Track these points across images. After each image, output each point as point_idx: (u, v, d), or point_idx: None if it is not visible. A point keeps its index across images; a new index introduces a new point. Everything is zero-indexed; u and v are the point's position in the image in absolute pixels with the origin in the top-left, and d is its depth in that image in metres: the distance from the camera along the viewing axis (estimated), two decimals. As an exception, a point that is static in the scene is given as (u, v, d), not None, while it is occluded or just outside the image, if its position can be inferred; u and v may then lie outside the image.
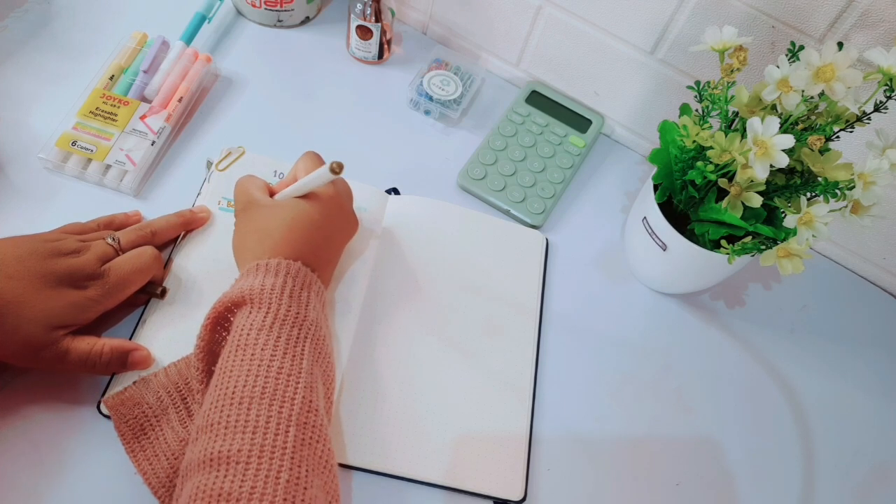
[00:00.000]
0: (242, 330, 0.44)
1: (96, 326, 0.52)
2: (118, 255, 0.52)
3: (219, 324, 0.46)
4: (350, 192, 0.56)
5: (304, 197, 0.52)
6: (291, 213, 0.50)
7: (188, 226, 0.58)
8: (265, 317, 0.44)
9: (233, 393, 0.41)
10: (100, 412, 0.50)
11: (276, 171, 0.63)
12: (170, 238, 0.57)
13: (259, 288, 0.45)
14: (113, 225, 0.56)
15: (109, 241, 0.52)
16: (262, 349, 0.43)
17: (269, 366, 0.42)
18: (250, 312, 0.44)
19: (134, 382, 0.49)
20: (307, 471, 0.39)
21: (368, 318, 0.58)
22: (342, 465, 0.51)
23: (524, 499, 0.53)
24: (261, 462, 0.38)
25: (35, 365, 0.48)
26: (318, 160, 0.55)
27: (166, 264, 0.56)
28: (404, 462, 0.52)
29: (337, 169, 0.48)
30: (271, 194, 0.54)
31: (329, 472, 0.41)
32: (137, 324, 0.53)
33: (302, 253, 0.49)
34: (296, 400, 0.41)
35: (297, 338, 0.44)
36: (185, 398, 0.49)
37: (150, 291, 0.54)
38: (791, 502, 0.58)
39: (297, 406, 0.41)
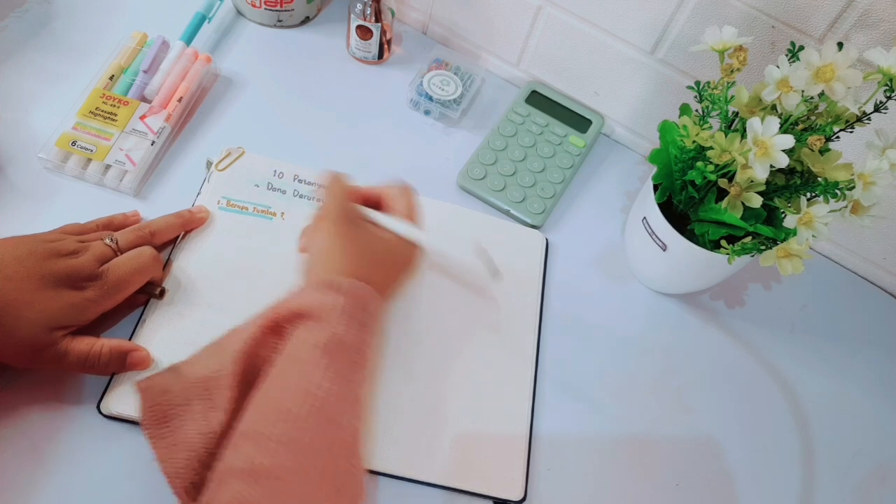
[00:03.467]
0: (302, 345, 0.43)
1: (95, 327, 0.52)
2: (117, 255, 0.51)
3: (272, 329, 0.46)
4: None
5: (403, 240, 0.53)
6: (390, 251, 0.52)
7: (187, 226, 0.58)
8: (326, 337, 0.44)
9: (285, 408, 0.40)
10: (100, 412, 0.50)
11: (275, 171, 0.63)
12: (169, 238, 0.57)
13: (328, 306, 0.45)
14: (112, 226, 0.56)
15: (108, 241, 0.52)
16: (319, 370, 0.42)
17: (325, 387, 0.42)
18: (311, 329, 0.44)
19: (166, 370, 0.48)
20: (347, 502, 0.40)
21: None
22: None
23: (524, 499, 0.53)
24: (306, 485, 0.38)
25: (34, 366, 0.48)
26: (412, 201, 0.56)
27: (165, 265, 0.56)
28: (404, 462, 0.52)
29: (493, 272, 0.53)
30: (360, 199, 0.54)
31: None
32: (137, 324, 0.53)
33: (374, 281, 0.49)
34: (347, 428, 0.41)
35: (355, 363, 0.44)
36: (211, 391, 0.47)
37: (149, 292, 0.54)
38: (791, 502, 0.58)
39: (347, 433, 0.41)
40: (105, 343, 0.49)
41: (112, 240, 0.52)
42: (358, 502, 0.41)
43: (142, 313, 0.54)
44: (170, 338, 0.53)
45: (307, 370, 0.42)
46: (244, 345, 0.45)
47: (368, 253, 0.50)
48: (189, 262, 0.57)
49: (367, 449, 0.43)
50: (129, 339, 0.53)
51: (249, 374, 0.46)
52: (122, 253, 0.52)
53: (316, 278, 0.48)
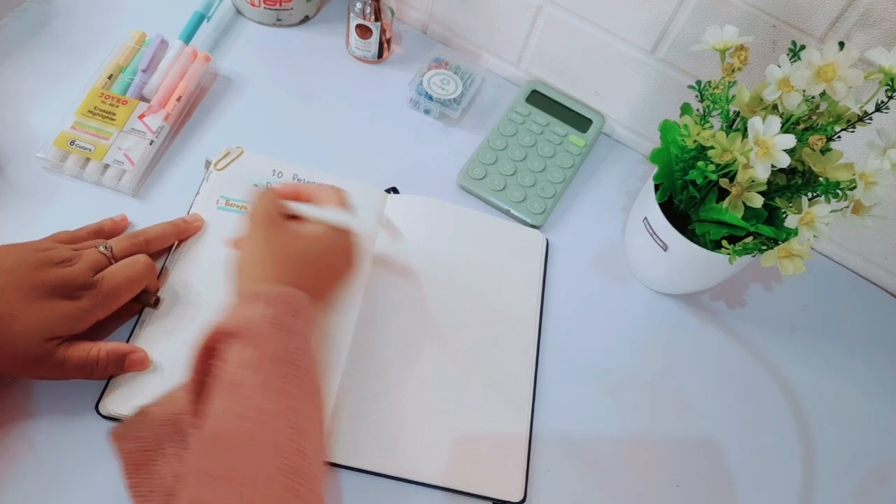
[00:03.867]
0: (233, 366, 0.42)
1: (90, 336, 0.50)
2: (111, 263, 0.51)
3: (210, 354, 0.44)
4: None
5: (332, 233, 0.51)
6: (319, 251, 0.50)
7: (182, 235, 0.57)
8: (254, 353, 0.42)
9: (218, 437, 0.39)
10: (98, 413, 0.50)
11: (274, 171, 0.63)
12: (163, 247, 0.57)
13: (256, 320, 0.43)
14: (103, 233, 0.55)
15: (102, 249, 0.51)
16: (250, 389, 0.41)
17: (257, 408, 0.40)
18: (241, 347, 0.42)
19: (134, 415, 0.47)
20: None
21: (368, 318, 0.57)
22: (342, 467, 0.51)
23: (524, 499, 0.53)
24: None
25: (33, 376, 0.48)
26: (343, 198, 0.54)
27: (160, 273, 0.56)
28: (404, 463, 0.52)
29: (393, 235, 0.48)
30: (289, 197, 0.53)
31: None
32: (131, 335, 0.53)
33: (305, 285, 0.48)
34: (285, 445, 0.39)
35: (287, 374, 0.42)
36: (180, 430, 0.47)
37: (144, 301, 0.53)
38: (791, 502, 0.58)
39: (283, 452, 0.39)
40: (102, 347, 0.49)
41: (106, 248, 0.51)
42: None
43: (136, 323, 0.53)
44: (165, 348, 0.52)
45: (239, 393, 0.41)
46: (191, 377, 0.44)
47: (295, 254, 0.49)
48: (184, 270, 0.56)
49: (315, 460, 0.41)
50: (127, 342, 0.52)
51: (204, 404, 0.44)
52: (116, 261, 0.51)
53: (242, 290, 0.47)
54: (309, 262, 0.49)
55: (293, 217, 0.52)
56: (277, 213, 0.51)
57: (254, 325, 0.43)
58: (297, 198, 0.53)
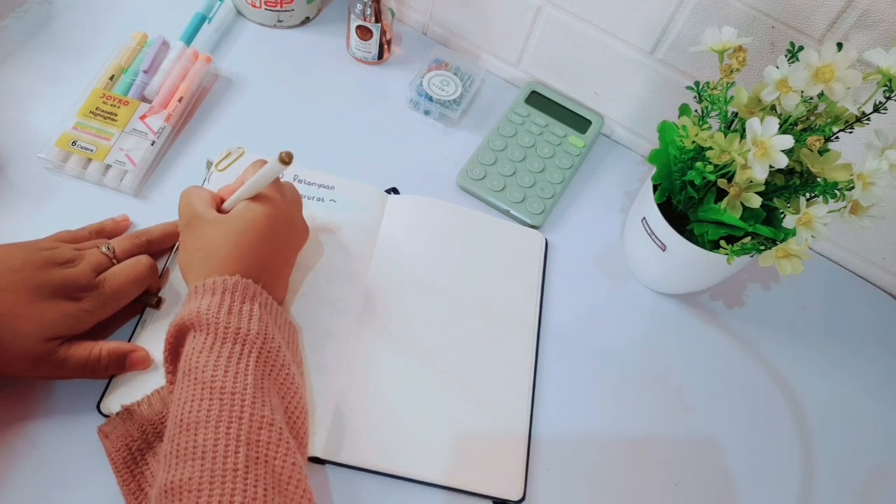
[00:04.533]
0: (187, 356, 0.43)
1: (92, 337, 0.51)
2: (113, 264, 0.51)
3: (174, 352, 0.46)
4: (299, 198, 0.55)
5: (252, 203, 0.50)
6: (237, 227, 0.48)
7: None
8: (205, 339, 0.43)
9: (181, 420, 0.40)
10: (100, 412, 0.50)
11: (275, 171, 0.63)
12: (165, 247, 0.57)
13: (204, 310, 0.44)
14: (104, 233, 0.55)
15: (104, 249, 0.51)
16: (204, 371, 0.42)
17: (212, 387, 0.41)
18: (195, 337, 0.44)
19: (118, 413, 0.48)
20: (265, 490, 0.39)
21: (368, 318, 0.58)
22: (342, 465, 0.51)
23: (523, 499, 0.53)
24: (213, 487, 0.37)
25: (34, 376, 0.48)
26: (259, 166, 0.52)
27: (162, 274, 0.56)
28: (404, 462, 0.52)
29: (287, 158, 0.46)
30: (221, 203, 0.52)
31: (295, 487, 0.40)
32: (132, 335, 0.53)
33: (249, 267, 0.48)
34: (243, 418, 0.40)
35: (241, 354, 0.43)
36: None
37: (146, 301, 0.53)
38: (790, 502, 0.58)
39: (244, 424, 0.40)
40: (103, 346, 0.49)
41: (108, 248, 0.52)
42: (291, 490, 0.40)
43: (138, 323, 0.54)
44: None
45: (195, 377, 0.42)
46: (167, 380, 0.46)
47: (228, 241, 0.48)
48: None
49: (293, 433, 0.43)
50: (129, 341, 0.52)
51: None
52: (118, 261, 0.51)
53: (189, 286, 0.48)
54: (245, 244, 0.48)
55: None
56: (202, 210, 0.50)
57: (202, 315, 0.44)
58: (228, 192, 0.53)
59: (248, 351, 0.44)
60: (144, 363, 0.51)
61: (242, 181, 0.52)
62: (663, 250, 0.59)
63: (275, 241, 0.50)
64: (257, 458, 0.39)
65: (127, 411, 0.48)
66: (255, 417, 0.41)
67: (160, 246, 0.56)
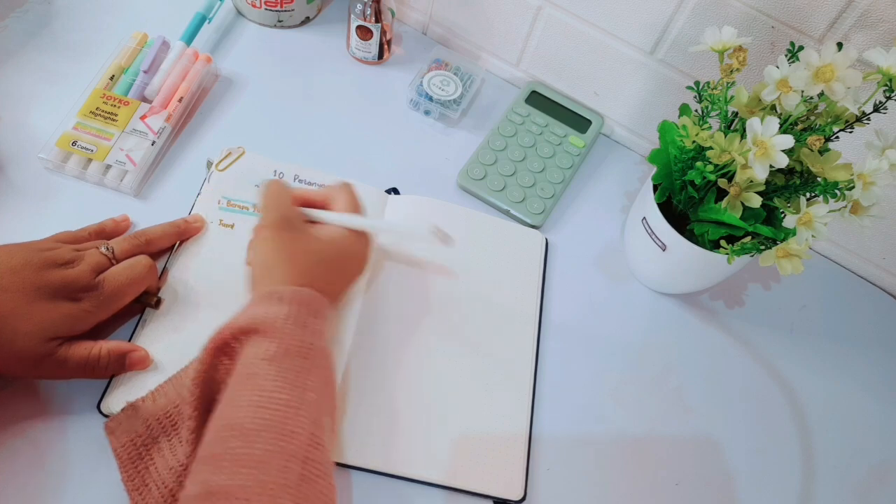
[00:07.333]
0: (250, 360, 0.43)
1: (92, 336, 0.51)
2: (112, 264, 0.51)
3: (222, 350, 0.45)
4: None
5: (354, 237, 0.53)
6: (331, 252, 0.51)
7: (182, 235, 0.58)
8: (270, 346, 0.43)
9: (236, 424, 0.40)
10: (100, 412, 0.50)
11: (276, 171, 0.63)
12: (164, 247, 0.57)
13: (272, 317, 0.44)
14: (104, 233, 0.56)
15: (103, 250, 0.51)
16: (267, 380, 0.42)
17: (274, 397, 0.41)
18: (259, 343, 0.44)
19: (123, 409, 0.48)
20: None
21: (368, 318, 0.58)
22: (343, 465, 0.51)
23: (524, 498, 0.53)
24: (261, 499, 0.37)
25: (34, 376, 0.48)
26: (354, 196, 0.55)
27: (161, 274, 0.56)
28: (404, 462, 0.52)
29: (443, 238, 0.51)
30: (302, 204, 0.54)
31: None
32: (132, 334, 0.53)
33: (320, 286, 0.49)
34: (301, 434, 0.40)
35: (303, 368, 0.43)
36: (176, 424, 0.47)
37: (145, 301, 0.53)
38: (791, 502, 0.58)
39: (302, 441, 0.40)
40: (103, 346, 0.49)
41: (108, 248, 0.52)
42: None
43: (138, 323, 0.54)
44: (166, 347, 0.52)
45: (257, 384, 0.42)
46: (197, 372, 0.45)
47: (312, 257, 0.50)
48: (185, 271, 0.56)
49: (329, 449, 0.43)
50: (129, 341, 0.52)
51: (207, 401, 0.45)
52: (117, 262, 0.52)
53: (260, 290, 0.48)
54: (324, 265, 0.51)
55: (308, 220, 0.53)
56: (294, 216, 0.52)
57: (272, 322, 0.44)
58: (310, 202, 0.55)
59: (312, 366, 0.44)
60: (144, 363, 0.51)
61: (326, 196, 0.54)
62: (663, 250, 0.59)
63: (351, 276, 0.55)
64: (308, 476, 0.39)
65: (132, 407, 0.48)
66: (310, 435, 0.41)
67: (159, 246, 0.56)
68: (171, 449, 0.46)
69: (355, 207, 0.55)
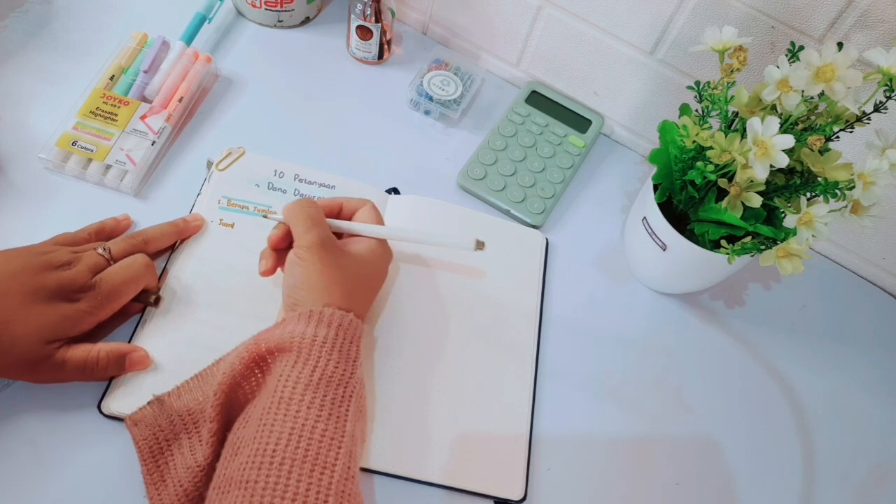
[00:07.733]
0: (287, 381, 0.43)
1: (92, 337, 0.51)
2: (109, 264, 0.51)
3: (256, 363, 0.45)
4: None
5: (385, 250, 0.54)
6: (368, 270, 0.52)
7: (181, 235, 0.58)
8: (312, 372, 0.43)
9: (273, 451, 0.40)
10: (100, 412, 0.50)
11: (276, 171, 0.63)
12: (163, 247, 0.57)
13: (311, 339, 0.44)
14: (104, 233, 0.56)
15: (100, 251, 0.51)
16: (307, 408, 0.42)
17: (312, 427, 0.41)
18: (295, 363, 0.43)
19: (149, 403, 0.48)
20: None
21: (367, 318, 0.58)
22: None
23: (524, 498, 0.53)
24: None
25: (34, 379, 0.48)
26: (377, 209, 0.56)
27: (161, 274, 0.56)
28: (404, 462, 0.52)
29: (481, 246, 0.52)
30: (327, 215, 0.53)
31: None
32: (133, 334, 0.53)
33: (357, 306, 0.49)
34: (337, 467, 0.40)
35: (343, 397, 0.43)
36: (198, 423, 0.47)
37: (145, 300, 0.53)
38: (791, 502, 0.58)
39: (337, 474, 0.40)
40: (102, 348, 0.49)
41: (105, 249, 0.52)
42: None
43: (138, 322, 0.54)
44: (167, 345, 0.52)
45: (293, 408, 0.42)
46: (226, 376, 0.45)
47: (349, 279, 0.50)
48: (186, 267, 0.56)
49: (357, 483, 0.43)
50: (129, 342, 0.52)
51: (230, 407, 0.46)
52: (114, 262, 0.52)
53: (298, 308, 0.48)
54: (360, 283, 0.51)
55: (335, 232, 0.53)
56: (329, 235, 0.51)
57: (307, 343, 0.44)
58: (333, 212, 0.55)
59: (349, 395, 0.44)
60: (143, 363, 0.51)
61: (341, 205, 0.55)
62: (664, 250, 0.59)
63: (377, 290, 0.55)
64: None
65: (158, 401, 0.48)
66: (346, 468, 0.41)
67: (157, 246, 0.56)
68: (190, 448, 0.46)
69: (381, 221, 0.55)
